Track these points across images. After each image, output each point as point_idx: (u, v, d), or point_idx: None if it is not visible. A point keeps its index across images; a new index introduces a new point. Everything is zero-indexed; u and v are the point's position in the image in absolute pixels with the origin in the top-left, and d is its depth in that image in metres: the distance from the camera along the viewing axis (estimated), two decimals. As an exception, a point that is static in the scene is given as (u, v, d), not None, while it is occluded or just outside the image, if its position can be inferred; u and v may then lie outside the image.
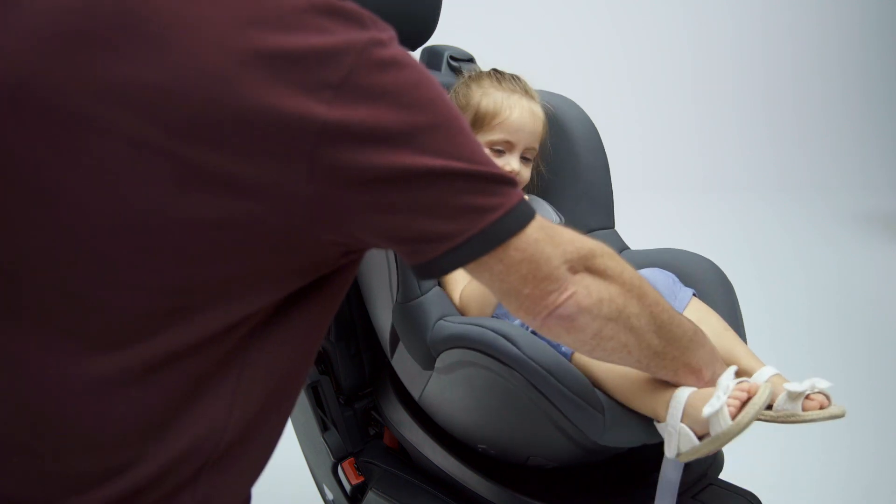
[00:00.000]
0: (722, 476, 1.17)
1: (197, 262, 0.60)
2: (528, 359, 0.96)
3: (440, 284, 1.15)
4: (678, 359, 0.86)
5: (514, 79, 1.25)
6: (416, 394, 1.17)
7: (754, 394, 0.86)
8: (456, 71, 1.36)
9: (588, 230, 1.32)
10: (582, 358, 1.02)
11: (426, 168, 0.61)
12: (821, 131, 5.37)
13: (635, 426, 0.98)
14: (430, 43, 1.29)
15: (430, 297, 1.10)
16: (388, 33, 0.62)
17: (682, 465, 0.97)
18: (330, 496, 1.38)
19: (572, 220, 1.28)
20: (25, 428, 0.63)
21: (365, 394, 1.39)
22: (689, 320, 0.88)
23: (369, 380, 1.39)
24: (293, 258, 0.63)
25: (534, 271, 0.69)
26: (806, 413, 0.93)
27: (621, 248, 1.33)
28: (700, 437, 0.89)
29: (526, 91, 1.24)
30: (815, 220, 4.37)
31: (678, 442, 0.91)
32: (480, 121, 1.20)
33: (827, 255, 3.74)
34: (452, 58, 1.38)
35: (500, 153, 1.20)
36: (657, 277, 1.16)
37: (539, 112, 1.23)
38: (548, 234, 0.70)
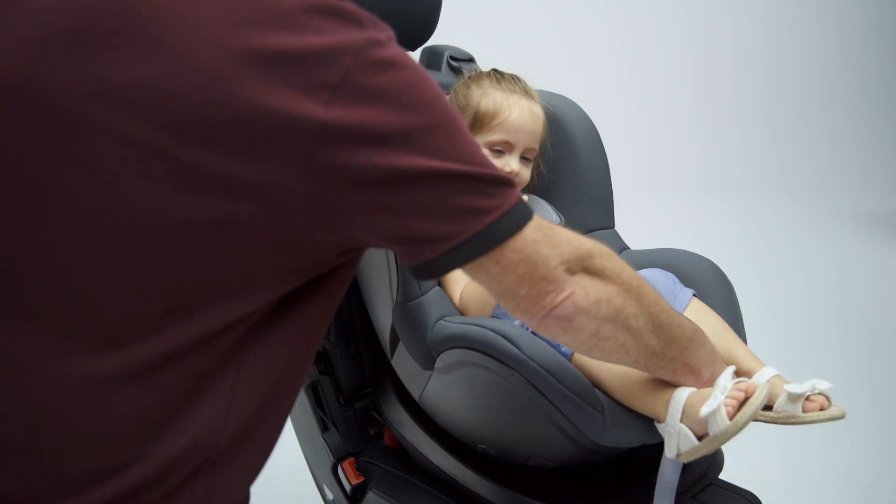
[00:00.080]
0: (722, 476, 1.17)
1: (196, 262, 0.60)
2: (528, 359, 0.96)
3: (440, 284, 1.15)
4: (677, 359, 0.86)
5: (514, 79, 1.25)
6: (416, 394, 1.17)
7: (752, 394, 0.86)
8: (456, 71, 1.36)
9: (588, 230, 1.32)
10: (582, 358, 1.02)
11: (423, 169, 0.61)
12: (821, 131, 5.37)
13: (635, 426, 0.98)
14: (430, 43, 1.29)
15: (430, 298, 1.10)
16: (386, 33, 0.62)
17: (681, 466, 0.97)
18: (330, 496, 1.38)
19: (572, 220, 1.28)
20: (25, 427, 0.63)
21: (365, 394, 1.39)
22: (689, 320, 0.88)
23: (369, 380, 1.39)
24: (291, 258, 0.63)
25: (531, 272, 0.69)
26: (806, 414, 0.93)
27: (621, 248, 1.33)
28: (699, 438, 0.89)
29: (526, 91, 1.24)
30: (815, 220, 4.37)
31: (678, 442, 0.91)
32: (480, 121, 1.19)
33: (827, 255, 3.74)
34: (452, 58, 1.38)
35: (499, 153, 1.20)
36: (657, 278, 1.16)
37: (539, 112, 1.23)
38: (545, 234, 0.70)
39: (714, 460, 1.17)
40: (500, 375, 0.98)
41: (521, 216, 0.67)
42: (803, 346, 2.61)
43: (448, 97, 1.23)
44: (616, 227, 1.36)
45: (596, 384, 1.00)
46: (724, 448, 1.16)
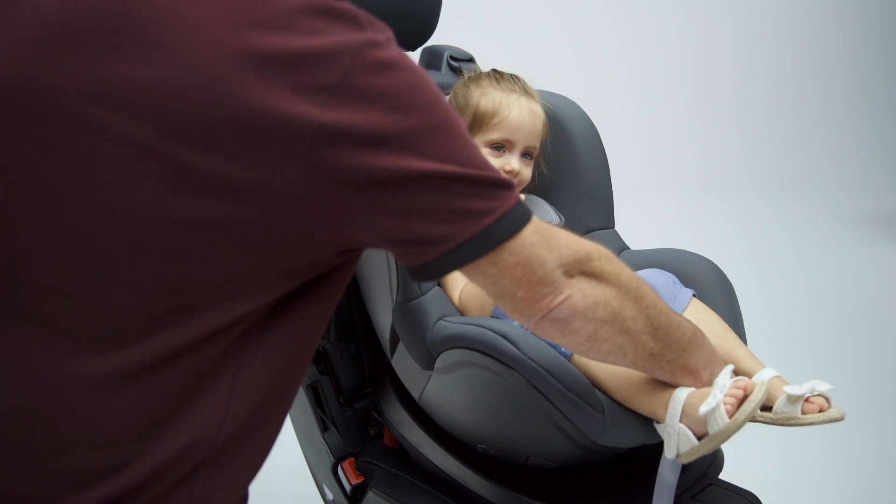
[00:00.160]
0: (722, 476, 1.17)
1: (195, 263, 0.60)
2: (527, 359, 0.96)
3: (440, 285, 1.15)
4: (675, 360, 0.86)
5: (513, 78, 1.25)
6: (416, 394, 1.17)
7: (750, 392, 0.86)
8: (456, 71, 1.36)
9: (588, 230, 1.32)
10: (582, 358, 1.02)
11: (421, 171, 0.61)
12: (821, 131, 5.37)
13: (635, 426, 0.98)
14: (430, 43, 1.29)
15: (430, 298, 1.10)
16: (384, 34, 0.62)
17: (680, 467, 0.97)
18: (330, 496, 1.38)
19: (572, 220, 1.28)
20: (24, 427, 0.63)
21: (365, 394, 1.39)
22: (689, 322, 0.88)
23: (369, 380, 1.39)
24: (290, 258, 0.63)
25: (528, 275, 0.69)
26: (805, 416, 0.93)
27: (621, 248, 1.33)
28: (699, 438, 0.89)
29: (525, 90, 1.23)
30: (815, 220, 4.37)
31: (677, 442, 0.91)
32: (479, 120, 1.19)
33: (827, 255, 3.74)
34: (452, 58, 1.38)
35: (499, 152, 1.20)
36: (657, 278, 1.16)
37: (538, 111, 1.23)
38: (544, 237, 0.70)
39: (714, 460, 1.17)
40: (500, 375, 0.98)
41: (519, 219, 0.67)
42: (803, 347, 2.61)
43: (448, 98, 1.23)
44: (616, 227, 1.36)
45: (596, 384, 1.00)
46: (724, 448, 1.16)
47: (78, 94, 0.57)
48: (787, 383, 0.98)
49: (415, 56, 1.34)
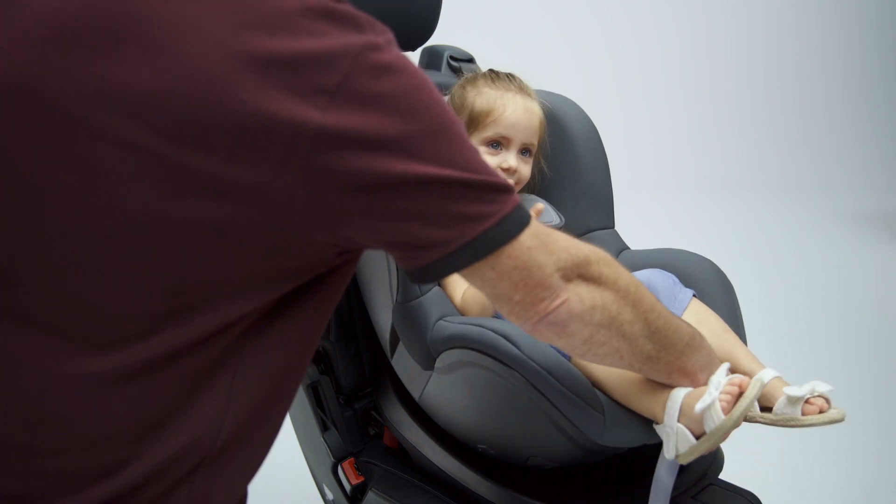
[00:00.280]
0: (722, 476, 1.17)
1: (194, 264, 0.60)
2: (528, 359, 0.96)
3: (440, 285, 1.15)
4: (673, 363, 0.86)
5: (509, 77, 1.25)
6: (416, 394, 1.17)
7: (746, 388, 0.87)
8: (456, 71, 1.36)
9: (588, 230, 1.32)
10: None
11: (420, 175, 0.61)
12: (821, 131, 5.37)
13: (635, 426, 0.98)
14: (430, 43, 1.29)
15: (430, 298, 1.10)
16: (385, 36, 0.62)
17: (677, 469, 0.97)
18: (330, 496, 1.38)
19: (572, 219, 1.28)
20: (24, 427, 0.63)
21: (365, 394, 1.39)
22: (687, 324, 0.88)
23: (369, 380, 1.39)
24: (290, 259, 0.63)
25: (525, 279, 0.69)
26: (805, 418, 0.93)
27: (621, 248, 1.33)
28: (697, 437, 0.89)
29: (521, 88, 1.24)
30: (815, 220, 4.37)
31: (676, 442, 0.91)
32: (475, 120, 1.20)
33: (827, 255, 3.74)
34: (452, 58, 1.38)
35: (496, 149, 1.20)
36: (657, 278, 1.16)
37: (535, 108, 1.23)
38: (542, 240, 0.70)
39: (714, 460, 1.17)
40: (500, 375, 0.98)
41: (518, 222, 0.67)
42: (803, 347, 2.61)
43: (445, 100, 1.23)
44: (616, 227, 1.36)
45: (596, 384, 1.00)
46: (724, 448, 1.16)
47: (78, 95, 0.57)
48: (788, 384, 0.98)
49: (415, 56, 1.34)
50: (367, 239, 0.64)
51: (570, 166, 1.33)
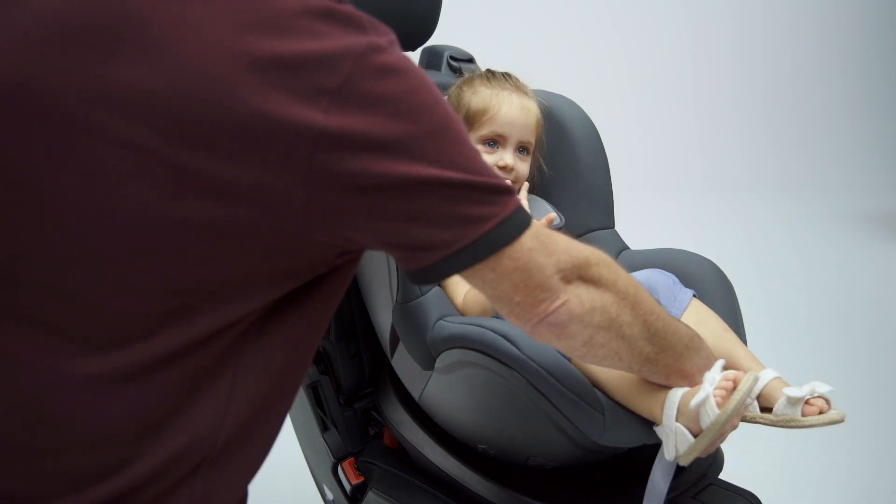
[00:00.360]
0: (722, 476, 1.17)
1: (195, 264, 0.60)
2: (527, 359, 0.96)
3: (440, 285, 1.15)
4: (671, 365, 0.87)
5: (505, 76, 1.25)
6: (416, 394, 1.17)
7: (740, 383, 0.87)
8: (456, 71, 1.36)
9: (588, 230, 1.32)
10: (582, 358, 1.02)
11: (422, 177, 0.61)
12: (821, 131, 5.37)
13: (635, 426, 0.98)
14: (430, 43, 1.29)
15: (430, 298, 1.10)
16: (387, 37, 0.62)
17: (672, 472, 0.97)
18: (330, 496, 1.38)
19: (572, 220, 1.28)
20: (24, 427, 0.63)
21: (365, 394, 1.39)
22: (687, 327, 0.88)
23: (369, 380, 1.39)
24: (290, 259, 0.63)
25: (526, 280, 0.69)
26: (805, 419, 0.93)
27: (621, 248, 1.33)
28: (695, 437, 0.89)
29: (517, 87, 1.24)
30: (815, 220, 4.37)
31: (675, 442, 0.91)
32: (471, 119, 1.20)
33: (827, 255, 3.74)
34: (452, 58, 1.38)
35: (492, 148, 1.20)
36: (657, 279, 1.16)
37: (531, 106, 1.23)
38: (542, 242, 0.70)
39: (714, 460, 1.17)
40: (500, 375, 0.98)
41: (519, 224, 0.67)
42: (803, 347, 2.61)
43: (443, 101, 1.23)
44: (616, 227, 1.36)
45: (595, 385, 1.00)
46: (724, 448, 1.16)
47: (78, 95, 0.57)
48: (788, 384, 0.98)
49: (415, 56, 1.34)
50: (368, 239, 0.64)
51: (570, 166, 1.33)
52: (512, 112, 1.20)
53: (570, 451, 1.04)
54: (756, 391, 0.99)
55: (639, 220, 2.64)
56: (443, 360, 1.06)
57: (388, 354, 1.21)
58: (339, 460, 1.32)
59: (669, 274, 1.18)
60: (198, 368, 0.64)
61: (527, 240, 0.68)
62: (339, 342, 1.35)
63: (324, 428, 1.34)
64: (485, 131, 1.20)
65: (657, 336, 0.82)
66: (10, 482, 0.63)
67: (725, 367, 0.92)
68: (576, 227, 1.30)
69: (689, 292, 1.15)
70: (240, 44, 0.57)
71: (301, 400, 1.36)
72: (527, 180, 1.25)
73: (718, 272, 1.21)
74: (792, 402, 0.93)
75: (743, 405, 0.85)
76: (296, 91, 0.57)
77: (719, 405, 0.85)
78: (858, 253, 3.81)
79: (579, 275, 0.73)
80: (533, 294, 0.70)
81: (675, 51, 5.03)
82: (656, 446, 0.98)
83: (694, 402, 0.86)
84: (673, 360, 0.86)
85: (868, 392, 2.30)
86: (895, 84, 5.55)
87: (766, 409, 0.99)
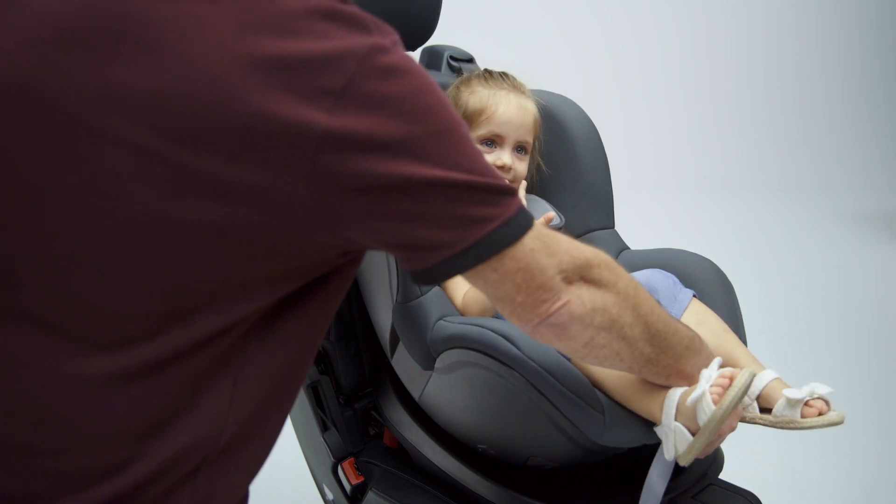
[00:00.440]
0: (722, 476, 1.17)
1: (197, 265, 0.60)
2: (528, 359, 0.96)
3: (440, 285, 1.15)
4: (671, 366, 0.87)
5: (503, 76, 1.25)
6: (416, 394, 1.17)
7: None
8: (456, 71, 1.36)
9: (588, 230, 1.32)
10: (582, 358, 1.02)
11: (425, 178, 0.61)
12: (821, 131, 5.37)
13: (635, 426, 0.98)
14: (430, 43, 1.29)
15: (430, 298, 1.10)
16: (391, 38, 0.62)
17: (669, 472, 0.97)
18: (330, 496, 1.38)
19: (572, 219, 1.28)
20: (26, 427, 0.63)
21: (365, 394, 1.39)
22: (687, 328, 0.88)
23: (369, 380, 1.39)
24: (292, 259, 0.63)
25: (528, 281, 0.69)
26: (804, 420, 0.93)
27: (621, 248, 1.33)
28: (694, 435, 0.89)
29: (514, 86, 1.24)
30: (815, 220, 4.36)
31: (675, 441, 0.91)
32: (469, 118, 1.20)
33: (827, 255, 3.74)
34: (452, 58, 1.38)
35: (490, 147, 1.20)
36: (657, 279, 1.16)
37: (528, 106, 1.23)
38: (544, 243, 0.70)
39: (714, 460, 1.17)
40: (500, 375, 0.98)
41: (521, 225, 0.67)
42: (803, 347, 2.61)
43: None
44: (616, 227, 1.36)
45: (595, 385, 1.00)
46: (724, 448, 1.16)
47: (79, 96, 0.57)
48: (787, 385, 0.98)
49: (415, 56, 1.34)
50: (370, 240, 0.64)
51: (570, 166, 1.33)
52: (509, 112, 1.20)
53: (570, 451, 1.04)
54: (755, 390, 0.99)
55: (639, 220, 2.64)
56: (443, 360, 1.06)
57: (388, 354, 1.21)
58: (339, 460, 1.32)
59: (669, 274, 1.18)
60: (199, 369, 0.64)
61: (529, 240, 0.68)
62: (339, 342, 1.35)
63: (324, 428, 1.34)
64: (482, 131, 1.20)
65: (658, 337, 0.82)
66: (10, 482, 0.63)
67: (724, 367, 0.92)
68: (576, 227, 1.30)
69: (689, 292, 1.15)
70: (242, 44, 0.57)
71: (301, 400, 1.36)
72: (525, 180, 1.25)
73: (718, 272, 1.21)
74: (791, 403, 0.93)
75: (739, 401, 0.85)
76: (299, 91, 0.57)
77: (715, 402, 0.85)
78: (858, 253, 3.81)
79: (581, 276, 0.73)
80: (535, 294, 0.70)
81: (675, 51, 5.03)
82: (656, 446, 0.98)
83: (690, 398, 0.86)
84: (673, 360, 0.86)
85: (868, 393, 2.30)
86: (895, 84, 5.55)
87: (765, 410, 0.99)
